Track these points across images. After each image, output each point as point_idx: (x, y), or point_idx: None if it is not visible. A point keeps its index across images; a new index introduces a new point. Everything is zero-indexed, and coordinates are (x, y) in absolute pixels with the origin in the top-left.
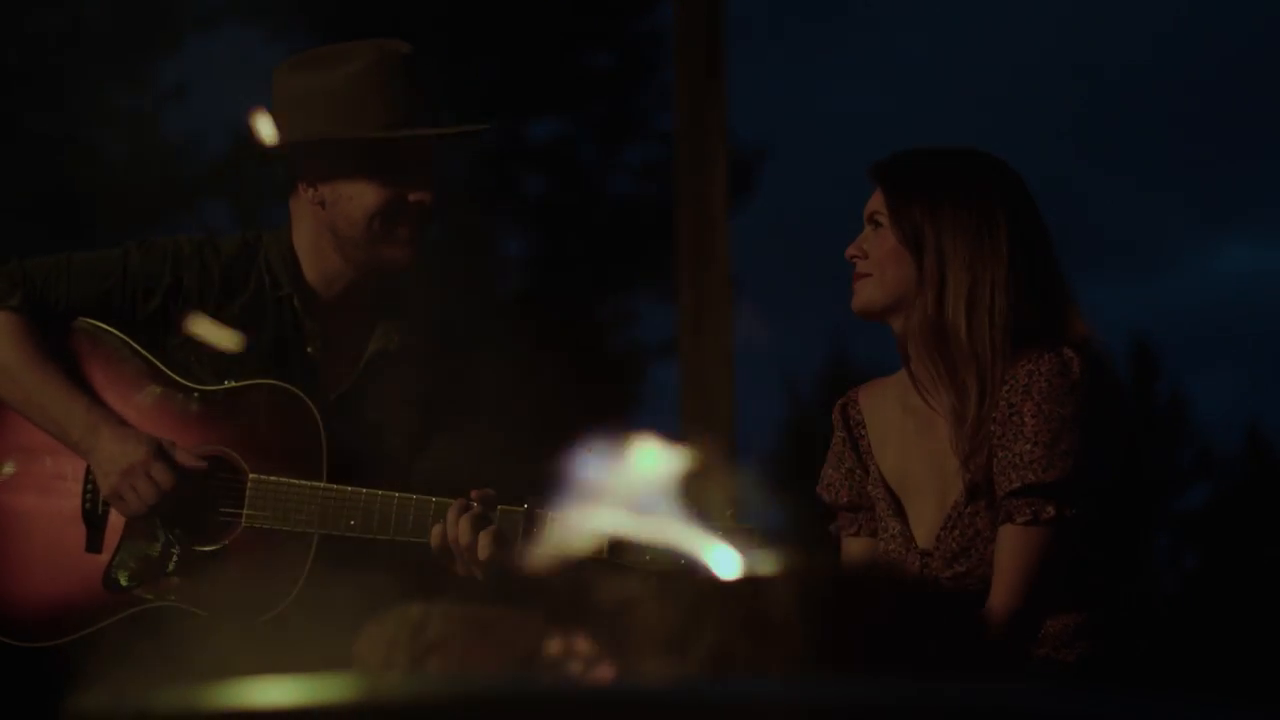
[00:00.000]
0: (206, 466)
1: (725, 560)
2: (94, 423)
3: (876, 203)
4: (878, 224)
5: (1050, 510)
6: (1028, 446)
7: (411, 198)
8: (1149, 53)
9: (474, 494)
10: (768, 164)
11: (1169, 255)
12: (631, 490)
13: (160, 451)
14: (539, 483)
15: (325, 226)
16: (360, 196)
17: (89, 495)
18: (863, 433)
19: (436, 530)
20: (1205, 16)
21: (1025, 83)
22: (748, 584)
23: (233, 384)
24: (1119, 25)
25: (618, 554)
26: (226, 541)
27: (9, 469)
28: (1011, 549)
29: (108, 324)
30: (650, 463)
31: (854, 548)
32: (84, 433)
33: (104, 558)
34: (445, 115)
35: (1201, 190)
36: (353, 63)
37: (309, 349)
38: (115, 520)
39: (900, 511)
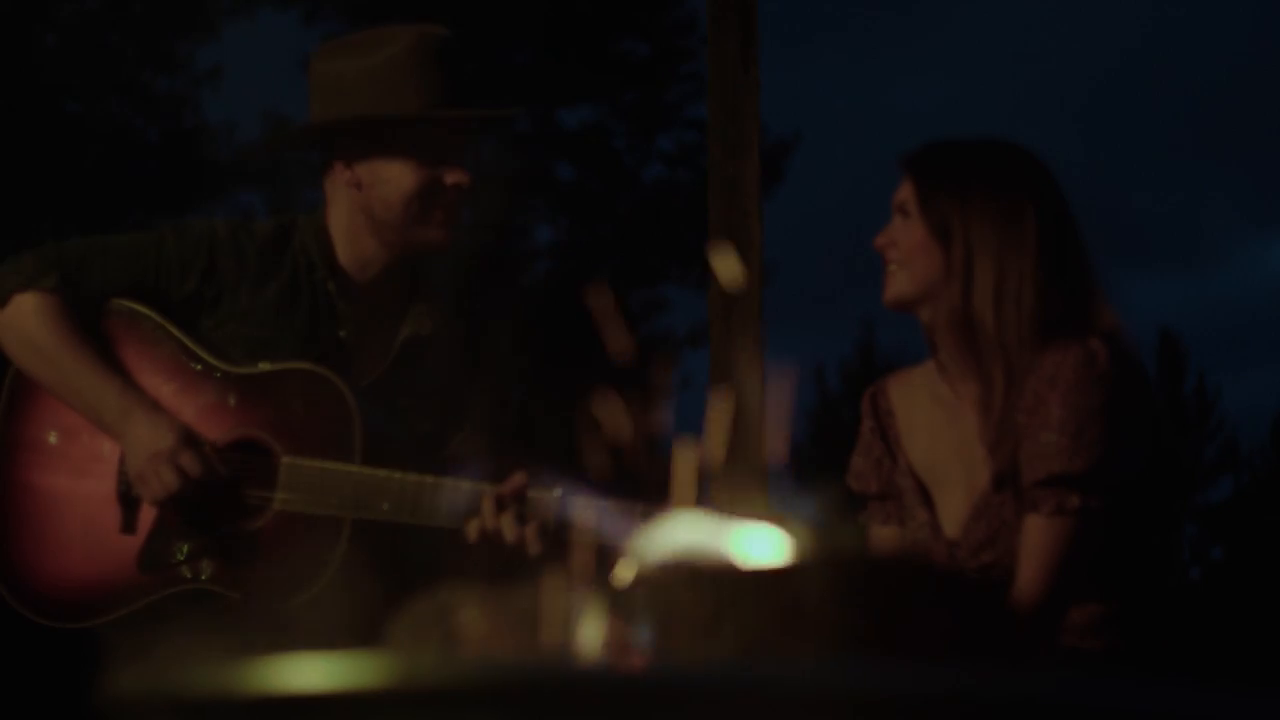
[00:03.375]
0: (230, 467)
1: (760, 545)
2: (127, 406)
3: (905, 192)
4: (906, 214)
5: (1075, 501)
6: (1053, 437)
7: (448, 180)
8: (1203, 50)
9: (505, 483)
10: (801, 152)
11: (1218, 251)
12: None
13: (190, 440)
14: (570, 468)
15: (361, 209)
16: (397, 178)
17: (124, 476)
18: (892, 422)
19: (474, 525)
20: (1264, 16)
21: (1073, 77)
22: (778, 571)
23: (267, 367)
24: (1170, 21)
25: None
26: (260, 524)
27: (53, 438)
28: (1036, 539)
29: (143, 306)
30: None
31: (883, 537)
32: (117, 415)
33: (138, 539)
34: (482, 99)
35: (1253, 188)
36: (391, 45)
37: (342, 333)
38: None
39: (928, 501)
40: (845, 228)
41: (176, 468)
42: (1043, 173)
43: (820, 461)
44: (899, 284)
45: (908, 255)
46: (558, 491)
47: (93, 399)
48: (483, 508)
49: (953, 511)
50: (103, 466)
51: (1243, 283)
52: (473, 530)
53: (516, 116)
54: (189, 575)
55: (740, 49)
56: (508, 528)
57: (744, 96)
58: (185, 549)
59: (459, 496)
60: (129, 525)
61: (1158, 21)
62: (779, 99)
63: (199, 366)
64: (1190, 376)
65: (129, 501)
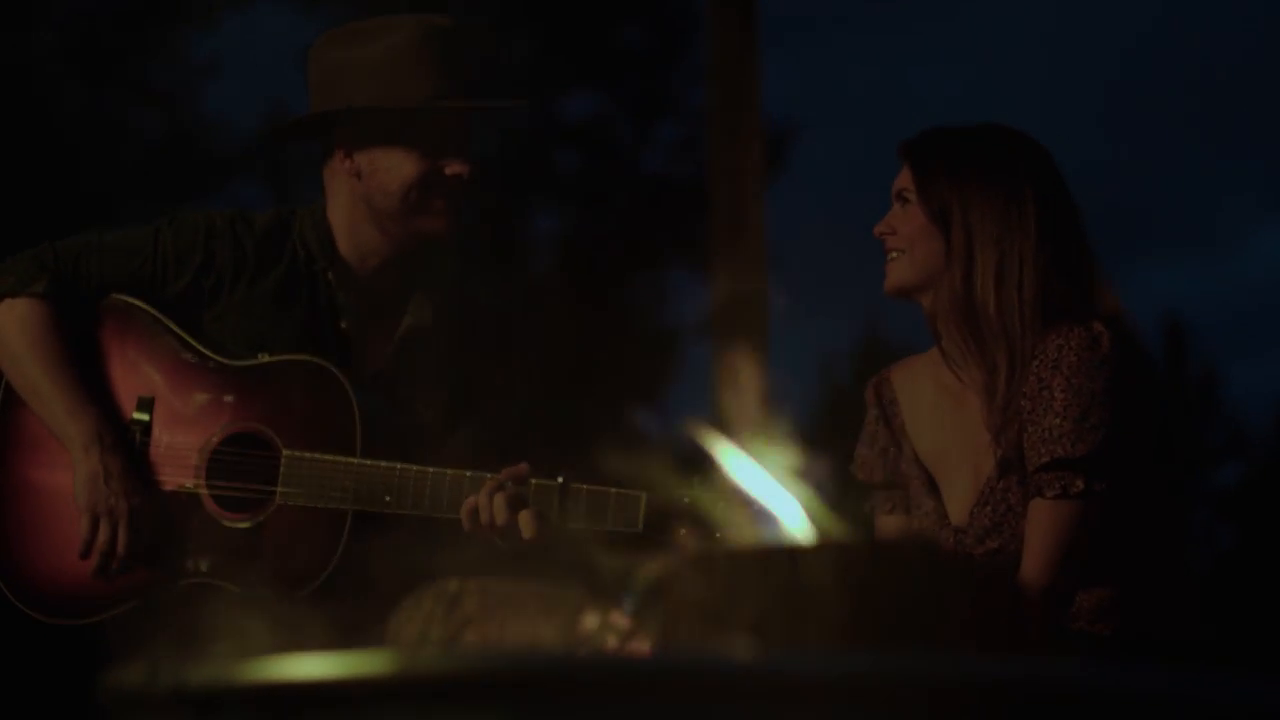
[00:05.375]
0: (229, 462)
1: (776, 517)
2: (84, 437)
3: (904, 180)
4: (906, 201)
5: (1079, 484)
6: (1057, 421)
7: (448, 170)
8: (1219, 35)
9: (506, 471)
10: (804, 139)
11: (1234, 237)
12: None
13: (136, 513)
14: (573, 457)
15: (361, 198)
16: (397, 167)
17: None
18: (896, 411)
19: (467, 508)
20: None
21: (1087, 63)
22: (785, 556)
23: (266, 359)
24: (1186, 6)
25: (653, 528)
26: (261, 518)
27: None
28: (1041, 523)
29: (140, 300)
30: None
31: (889, 526)
32: (75, 447)
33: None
34: (484, 90)
35: (1270, 173)
36: (393, 35)
37: (343, 324)
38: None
39: (934, 489)
40: (860, 214)
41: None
42: (1041, 157)
43: (826, 451)
44: (900, 271)
45: (908, 242)
46: (560, 480)
47: (56, 420)
48: (479, 498)
49: (958, 498)
50: None
51: (1261, 268)
52: (466, 515)
53: (518, 108)
54: (190, 569)
55: (741, 34)
56: (499, 511)
57: (745, 83)
58: (185, 544)
59: (462, 487)
60: None
61: (1173, 6)
62: (788, 86)
63: (197, 360)
64: (1196, 360)
65: None
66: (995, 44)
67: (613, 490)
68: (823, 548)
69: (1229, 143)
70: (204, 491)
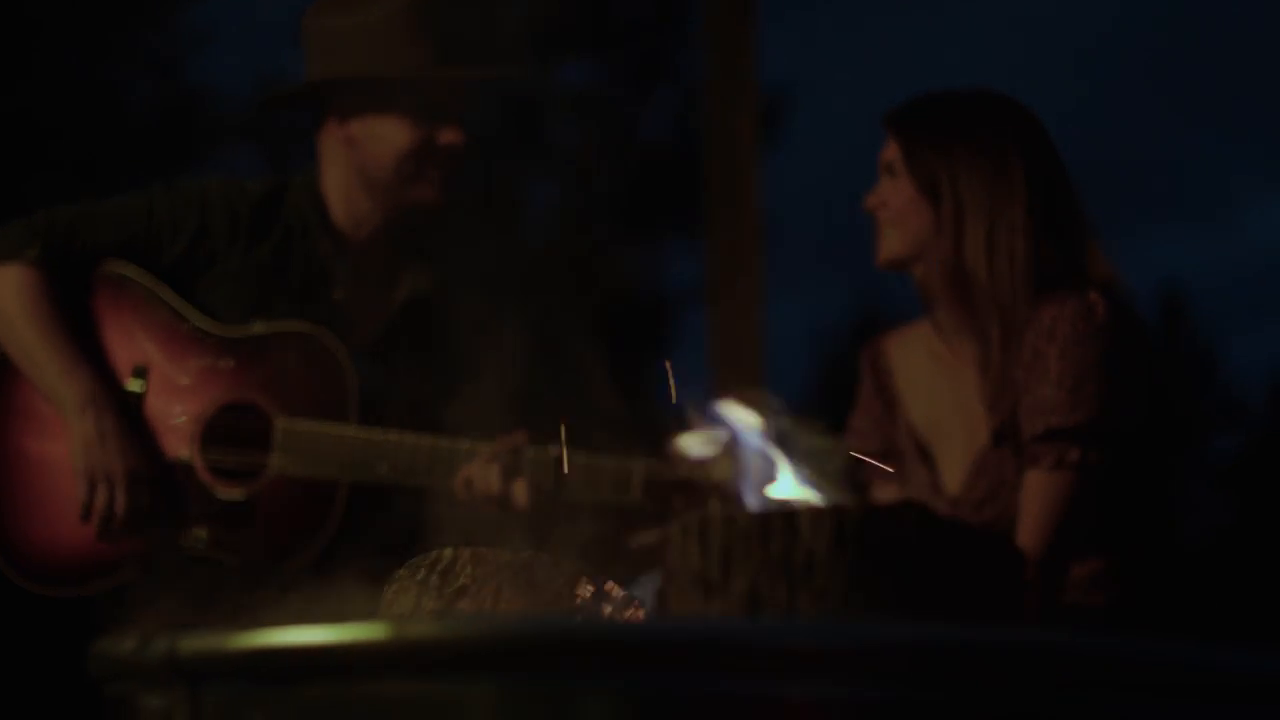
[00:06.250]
0: (221, 433)
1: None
2: (79, 400)
3: (891, 152)
4: (894, 173)
5: (1074, 454)
6: (1052, 390)
7: (442, 139)
8: (1212, 3)
9: (501, 441)
10: (801, 108)
11: (1231, 208)
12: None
13: (133, 475)
14: (569, 427)
15: (354, 167)
16: (391, 136)
17: None
18: (890, 380)
19: (462, 478)
20: None
21: (1080, 30)
22: (781, 524)
23: (261, 329)
24: None
25: (649, 497)
26: (256, 488)
27: (46, 405)
28: (1036, 494)
29: (134, 268)
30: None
31: (884, 495)
32: (69, 410)
33: None
34: (480, 57)
35: (1266, 145)
36: (389, 2)
37: (337, 293)
38: None
39: (928, 459)
40: (857, 182)
41: (123, 497)
42: (1029, 122)
43: (822, 419)
44: (891, 244)
45: (898, 214)
46: (555, 450)
47: (51, 386)
48: (473, 468)
49: (953, 469)
50: None
51: (1259, 240)
52: (461, 485)
53: (514, 76)
54: (184, 540)
55: (737, 3)
56: (494, 481)
57: (741, 50)
58: (179, 515)
59: (457, 457)
60: None
61: None
62: (784, 53)
63: (191, 329)
64: (1194, 332)
65: None
66: (994, 13)
67: (609, 461)
68: (819, 515)
69: (1229, 115)
70: (198, 462)
